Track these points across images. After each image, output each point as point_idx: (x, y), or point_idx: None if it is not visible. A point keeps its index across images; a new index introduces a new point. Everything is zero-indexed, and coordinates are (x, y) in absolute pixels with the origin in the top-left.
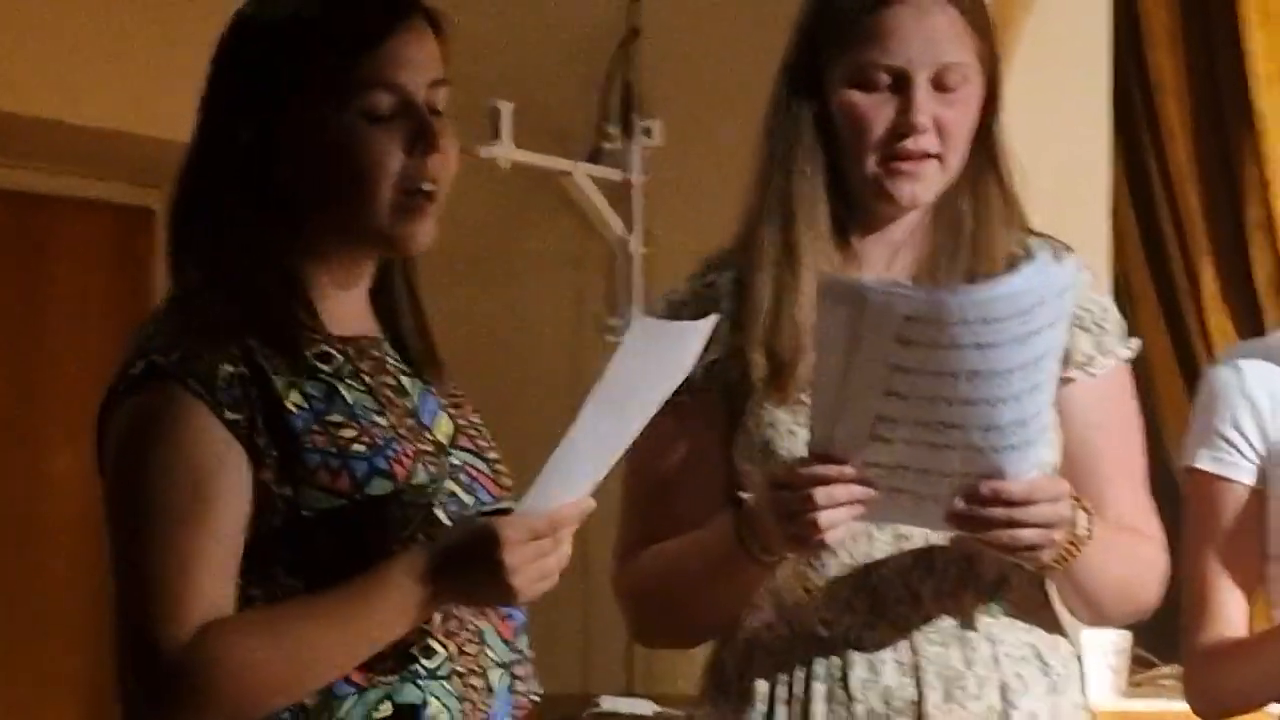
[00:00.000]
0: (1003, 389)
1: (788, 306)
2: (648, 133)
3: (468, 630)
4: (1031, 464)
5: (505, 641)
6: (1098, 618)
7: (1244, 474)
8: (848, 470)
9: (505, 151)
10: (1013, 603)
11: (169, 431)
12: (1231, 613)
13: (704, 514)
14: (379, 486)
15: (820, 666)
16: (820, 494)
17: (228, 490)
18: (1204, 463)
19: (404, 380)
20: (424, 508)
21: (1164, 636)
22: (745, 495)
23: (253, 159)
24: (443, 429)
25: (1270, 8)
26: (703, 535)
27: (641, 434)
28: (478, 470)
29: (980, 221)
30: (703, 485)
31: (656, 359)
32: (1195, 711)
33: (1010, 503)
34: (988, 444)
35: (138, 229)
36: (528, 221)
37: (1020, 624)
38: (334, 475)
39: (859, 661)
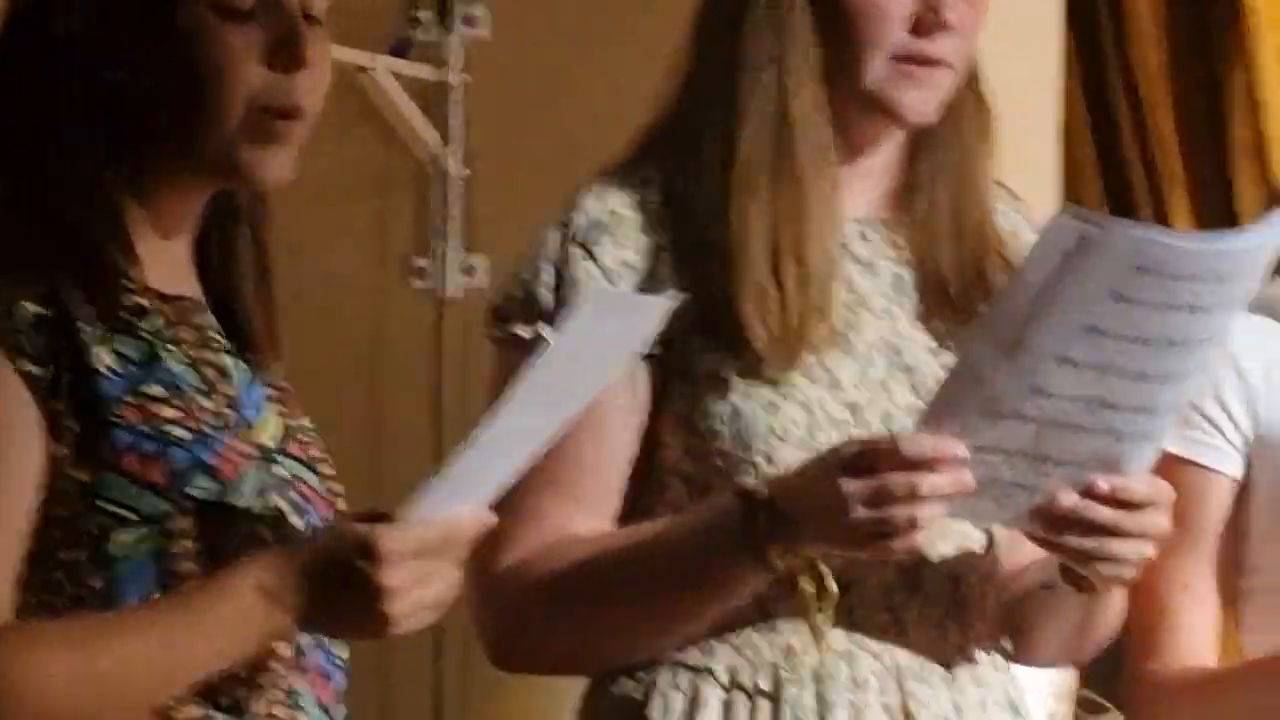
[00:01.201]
0: (1184, 362)
1: (791, 248)
2: (469, 21)
3: (280, 688)
4: (1151, 459)
5: (322, 708)
6: (1065, 659)
7: (1227, 462)
8: (962, 452)
9: None
10: (997, 636)
11: None
12: (1196, 636)
13: (613, 497)
14: (200, 486)
15: (787, 709)
16: (926, 482)
17: (18, 465)
18: (1179, 446)
19: (227, 361)
20: (250, 522)
21: (1118, 674)
22: (753, 481)
23: (77, 54)
24: (269, 429)
25: None
26: (676, 526)
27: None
28: (308, 487)
29: (963, 150)
30: (616, 460)
31: (605, 337)
32: None
33: (1127, 504)
34: (1129, 429)
35: None
36: (314, 131)
37: (1000, 662)
38: (145, 463)
39: (839, 702)
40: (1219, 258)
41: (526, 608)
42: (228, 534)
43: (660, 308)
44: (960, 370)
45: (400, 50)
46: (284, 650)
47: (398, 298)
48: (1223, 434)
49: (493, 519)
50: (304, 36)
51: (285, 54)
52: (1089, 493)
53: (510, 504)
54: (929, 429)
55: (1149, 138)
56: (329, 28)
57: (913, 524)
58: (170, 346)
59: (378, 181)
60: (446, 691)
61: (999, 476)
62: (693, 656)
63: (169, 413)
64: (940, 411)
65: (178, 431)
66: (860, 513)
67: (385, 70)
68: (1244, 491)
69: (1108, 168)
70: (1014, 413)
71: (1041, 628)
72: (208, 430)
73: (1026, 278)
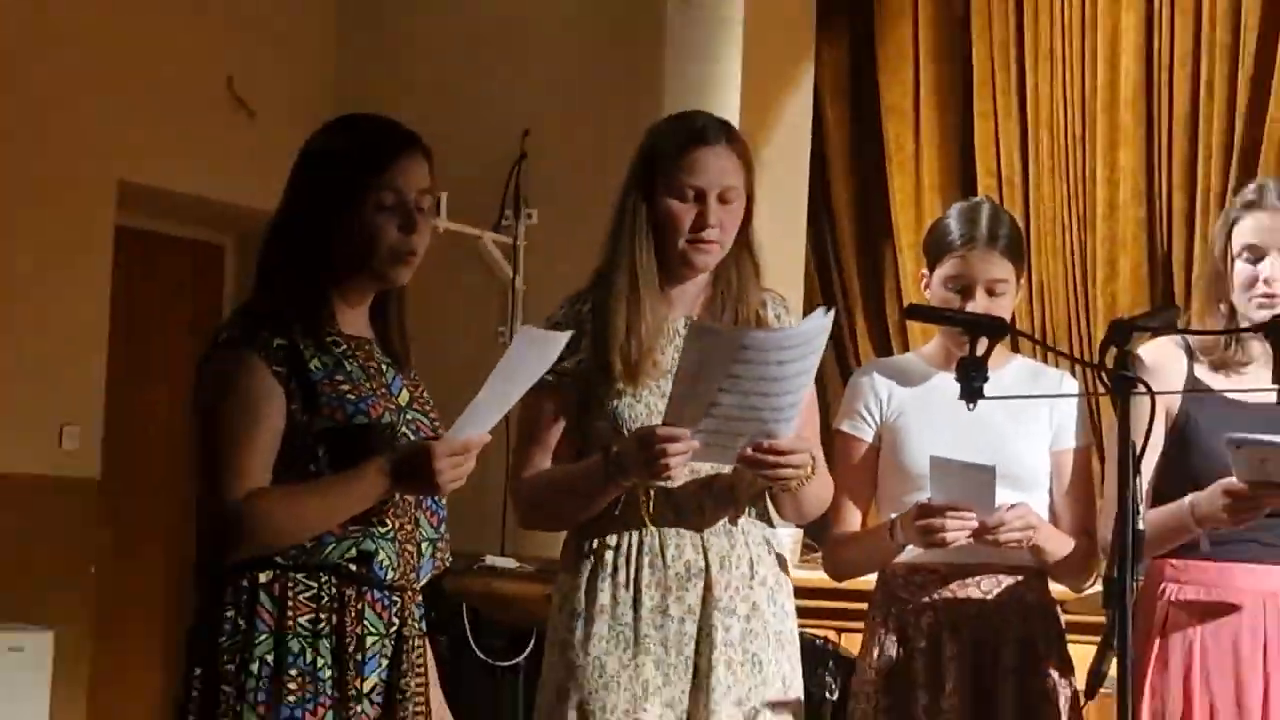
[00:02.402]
0: (786, 388)
1: (636, 330)
2: (530, 215)
3: (406, 515)
4: (788, 431)
5: (432, 526)
6: (798, 519)
7: (868, 435)
8: (686, 433)
9: (441, 222)
10: (757, 511)
11: (238, 375)
12: (852, 517)
13: (563, 452)
14: (360, 420)
15: (646, 544)
16: (671, 448)
17: (271, 412)
18: (845, 427)
19: (384, 366)
20: (387, 437)
21: (821, 532)
22: (612, 445)
23: (312, 227)
24: (403, 397)
25: (903, 155)
26: (578, 467)
27: (530, 399)
28: (422, 423)
29: (742, 281)
30: (557, 430)
31: (534, 352)
32: (829, 575)
33: (778, 451)
34: (770, 419)
35: (211, 260)
36: (454, 269)
37: (759, 524)
38: (334, 410)
39: (670, 542)
40: (781, 340)
41: (529, 497)
42: (375, 446)
43: (561, 340)
44: (675, 394)
45: (496, 227)
46: (401, 498)
47: (489, 349)
48: (865, 423)
49: (488, 438)
50: (416, 218)
51: (407, 227)
52: (759, 448)
53: (525, 448)
54: (670, 423)
55: (845, 279)
56: (456, 211)
57: (666, 470)
58: (350, 359)
59: (483, 294)
60: None
61: (713, 442)
62: (601, 519)
63: (345, 388)
64: (672, 416)
65: (350, 395)
66: (643, 463)
67: (488, 239)
68: (877, 451)
69: (825, 293)
70: (709, 414)
71: (782, 503)
72: (366, 394)
73: (688, 358)
